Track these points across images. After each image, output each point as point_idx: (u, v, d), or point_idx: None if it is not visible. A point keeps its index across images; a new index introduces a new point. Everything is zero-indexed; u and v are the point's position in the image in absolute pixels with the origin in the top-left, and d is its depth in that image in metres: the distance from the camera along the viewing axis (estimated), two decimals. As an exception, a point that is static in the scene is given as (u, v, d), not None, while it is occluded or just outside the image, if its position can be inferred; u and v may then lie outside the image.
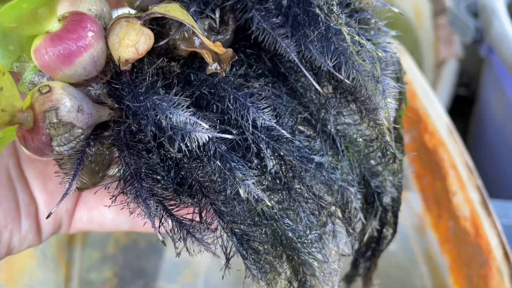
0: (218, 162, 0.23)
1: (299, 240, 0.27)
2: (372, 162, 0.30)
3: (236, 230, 0.26)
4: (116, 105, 0.24)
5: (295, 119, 0.28)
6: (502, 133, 0.75)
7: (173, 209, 0.25)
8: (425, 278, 0.56)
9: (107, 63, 0.24)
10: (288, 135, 0.25)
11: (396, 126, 0.32)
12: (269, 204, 0.25)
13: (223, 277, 0.27)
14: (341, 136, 0.29)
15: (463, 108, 0.94)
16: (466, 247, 0.51)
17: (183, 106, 0.22)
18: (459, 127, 0.68)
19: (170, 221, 0.26)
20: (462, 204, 0.51)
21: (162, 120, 0.22)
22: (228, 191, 0.24)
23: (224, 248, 0.27)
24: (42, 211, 0.30)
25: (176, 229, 0.25)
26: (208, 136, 0.22)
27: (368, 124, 0.29)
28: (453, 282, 0.53)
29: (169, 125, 0.22)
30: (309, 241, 0.28)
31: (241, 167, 0.24)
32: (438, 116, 0.57)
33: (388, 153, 0.29)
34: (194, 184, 0.26)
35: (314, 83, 0.27)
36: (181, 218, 0.26)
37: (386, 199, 0.31)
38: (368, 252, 0.35)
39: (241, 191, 0.24)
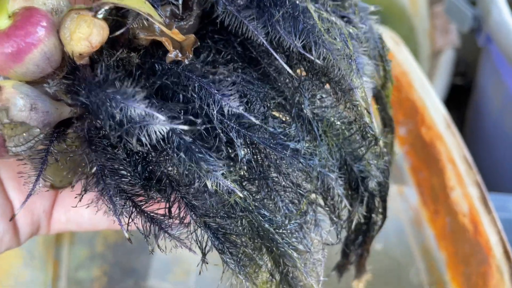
0: (182, 154, 0.23)
1: (277, 231, 0.27)
2: (354, 145, 0.30)
3: (211, 223, 0.26)
4: (73, 102, 0.24)
5: (268, 105, 0.27)
6: (500, 124, 0.74)
7: (143, 205, 0.25)
8: (421, 273, 0.56)
9: (64, 58, 0.24)
10: (258, 122, 0.25)
11: (379, 106, 0.32)
12: (241, 195, 0.25)
13: (200, 272, 0.27)
14: (318, 120, 0.29)
15: (459, 98, 0.93)
16: (464, 244, 0.51)
17: (139, 98, 0.22)
18: (455, 117, 0.68)
19: (141, 218, 0.26)
20: (461, 199, 0.51)
21: (116, 114, 0.22)
22: (197, 184, 0.24)
23: (199, 243, 0.27)
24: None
25: (147, 225, 0.25)
26: (166, 128, 0.22)
27: (345, 106, 0.28)
28: (450, 279, 0.53)
29: (125, 119, 0.22)
30: (288, 231, 0.27)
31: (208, 157, 0.23)
32: (436, 108, 0.56)
33: (369, 135, 0.29)
34: (163, 178, 0.26)
35: (284, 65, 0.26)
36: (152, 214, 0.26)
37: (372, 184, 0.30)
38: (358, 239, 0.34)
39: (209, 184, 0.23)
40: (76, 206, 0.25)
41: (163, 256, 0.60)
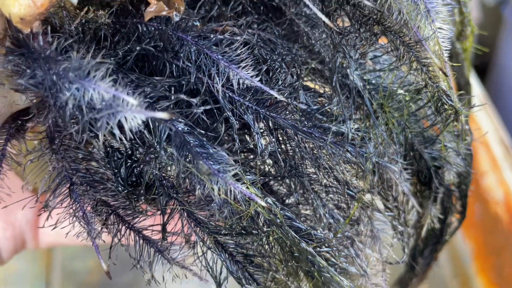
0: (173, 151, 0.18)
1: (317, 250, 0.21)
2: (423, 123, 0.23)
3: (225, 243, 0.21)
4: (18, 86, 0.19)
5: (297, 72, 0.21)
6: None
7: (131, 220, 0.20)
8: (443, 265, 0.53)
9: (7, 28, 0.19)
10: (283, 98, 0.19)
11: (456, 64, 0.24)
12: (263, 204, 0.19)
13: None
14: (371, 90, 0.22)
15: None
16: (495, 234, 0.49)
17: (100, 73, 0.16)
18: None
19: (131, 237, 0.21)
20: (494, 186, 0.48)
21: (69, 100, 0.16)
22: (198, 191, 0.18)
23: (210, 269, 0.21)
24: None
25: (139, 247, 0.20)
26: (141, 117, 0.16)
27: (411, 67, 0.21)
28: (476, 271, 0.51)
29: (84, 106, 0.16)
30: (335, 248, 0.21)
31: (212, 152, 0.18)
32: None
33: (446, 106, 0.22)
34: (155, 182, 0.20)
35: (318, 12, 0.19)
36: (144, 232, 0.20)
37: (449, 176, 0.23)
38: (428, 248, 0.28)
39: (214, 190, 0.18)
40: (42, 226, 0.20)
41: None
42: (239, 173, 0.18)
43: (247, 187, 0.18)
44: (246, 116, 0.20)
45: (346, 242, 0.23)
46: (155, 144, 0.18)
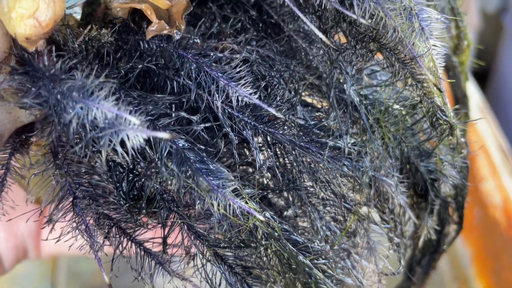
0: (173, 167, 0.19)
1: (315, 262, 0.22)
2: (419, 137, 0.24)
3: (224, 255, 0.22)
4: (23, 103, 0.20)
5: (295, 88, 0.22)
6: None
7: (132, 233, 0.21)
8: (442, 268, 0.55)
9: (12, 46, 0.20)
10: (280, 115, 0.20)
11: (450, 80, 0.26)
12: (261, 218, 0.20)
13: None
14: (367, 105, 0.23)
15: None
16: (494, 238, 0.50)
17: (103, 93, 0.17)
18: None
19: (132, 250, 0.22)
20: (493, 191, 0.50)
21: (73, 119, 0.17)
22: (198, 206, 0.20)
23: (209, 281, 0.22)
24: None
25: (140, 259, 0.22)
26: (143, 136, 0.17)
27: (406, 83, 0.22)
28: (475, 274, 0.52)
29: (87, 124, 0.17)
30: (331, 260, 0.22)
31: (211, 168, 0.19)
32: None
33: (441, 121, 0.23)
34: (156, 196, 0.21)
35: (315, 29, 0.21)
36: (145, 245, 0.22)
37: (445, 188, 0.25)
38: (426, 257, 0.29)
39: (214, 205, 0.19)
40: (46, 239, 0.21)
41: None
42: (238, 188, 0.19)
43: (246, 202, 0.19)
44: (245, 131, 0.21)
45: (343, 254, 0.24)
46: (156, 159, 0.19)
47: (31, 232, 0.29)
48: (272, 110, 0.20)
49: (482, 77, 0.91)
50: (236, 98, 0.20)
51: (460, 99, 0.27)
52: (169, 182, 0.20)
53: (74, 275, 0.59)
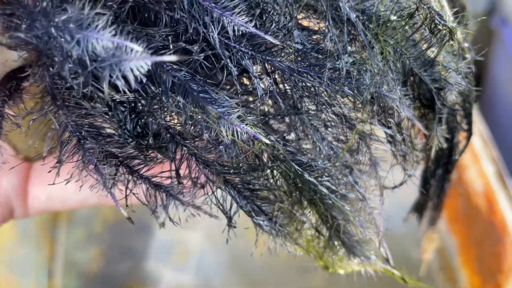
0: (179, 98, 0.20)
1: (319, 180, 0.23)
2: (421, 46, 0.24)
3: (233, 180, 0.24)
4: (13, 42, 0.20)
5: (290, 12, 0.23)
6: None
7: (141, 169, 0.23)
8: (430, 261, 0.57)
9: None
10: (278, 42, 0.21)
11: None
12: (267, 141, 0.21)
13: (227, 240, 0.25)
14: (364, 20, 0.24)
15: None
16: (476, 225, 0.52)
17: (101, 23, 0.18)
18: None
19: (142, 186, 0.23)
20: (475, 178, 0.52)
21: (73, 51, 0.18)
22: (206, 135, 0.21)
23: (221, 206, 0.24)
24: None
25: (152, 195, 0.23)
26: (147, 64, 0.17)
27: None
28: (461, 263, 0.55)
29: (86, 57, 0.18)
30: (335, 177, 0.24)
31: (216, 97, 0.20)
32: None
33: (440, 27, 0.24)
34: (162, 132, 0.22)
35: None
36: (156, 180, 0.23)
37: (451, 96, 0.26)
38: (439, 169, 0.30)
39: (222, 132, 0.20)
40: (53, 183, 0.22)
41: (163, 237, 0.63)
42: (242, 115, 0.21)
43: (252, 127, 0.21)
44: (243, 61, 0.21)
45: (345, 171, 0.25)
46: (160, 94, 0.20)
47: (15, 188, 0.29)
48: (269, 38, 0.20)
49: (477, 81, 0.95)
50: (232, 28, 0.20)
51: (456, 2, 0.28)
52: (174, 115, 0.21)
53: (71, 263, 0.62)
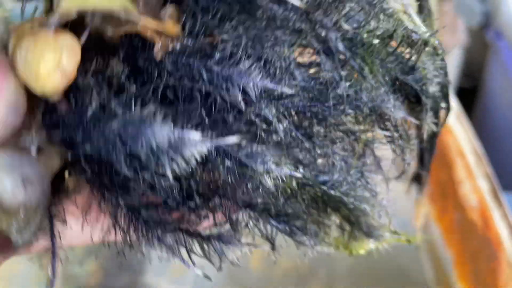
0: (227, 162, 0.22)
1: (340, 190, 0.28)
2: (402, 57, 0.29)
3: (271, 212, 0.27)
4: (66, 150, 0.22)
5: (288, 56, 0.26)
6: (509, 125, 0.80)
7: (195, 229, 0.25)
8: (427, 273, 0.60)
9: (31, 95, 0.21)
10: (291, 91, 0.24)
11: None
12: (300, 176, 0.25)
13: (274, 262, 0.29)
14: (351, 47, 0.27)
15: (465, 102, 0.97)
16: (472, 240, 0.54)
17: (158, 118, 0.20)
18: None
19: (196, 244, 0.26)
20: (470, 193, 0.54)
21: (140, 151, 0.20)
22: (250, 186, 0.24)
23: (264, 235, 0.27)
24: None
25: (210, 247, 0.26)
26: (207, 147, 0.20)
27: (378, 19, 0.27)
28: (457, 277, 0.57)
29: (148, 152, 0.20)
30: (351, 185, 0.28)
31: (259, 152, 0.23)
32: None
33: (414, 40, 0.28)
34: (207, 191, 0.25)
35: None
36: (215, 234, 0.26)
37: (432, 88, 0.30)
38: (429, 143, 0.35)
39: (268, 182, 0.23)
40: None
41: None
42: (277, 160, 0.24)
43: (287, 168, 0.24)
44: (263, 111, 0.24)
45: (358, 175, 0.29)
46: (211, 161, 0.22)
47: None
48: (285, 89, 0.24)
49: (473, 94, 0.97)
50: (252, 86, 0.23)
51: (424, 13, 0.32)
52: (218, 175, 0.24)
53: (69, 277, 0.62)
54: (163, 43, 0.22)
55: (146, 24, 0.21)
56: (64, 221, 0.25)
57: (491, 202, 0.53)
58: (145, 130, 0.20)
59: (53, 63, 0.19)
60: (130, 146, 0.20)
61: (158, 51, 0.22)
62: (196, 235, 0.25)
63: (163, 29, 0.21)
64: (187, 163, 0.20)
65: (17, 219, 0.21)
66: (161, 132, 0.20)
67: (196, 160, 0.21)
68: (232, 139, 0.20)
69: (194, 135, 0.20)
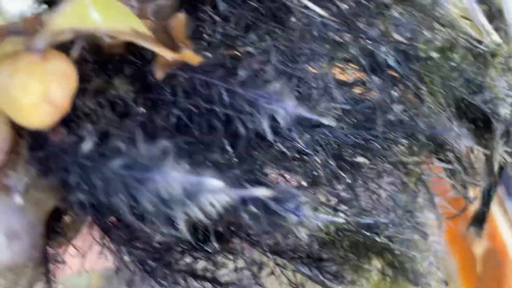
0: (252, 209, 0.18)
1: (386, 234, 0.23)
2: (467, 72, 0.24)
3: (303, 259, 0.23)
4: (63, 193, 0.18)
5: (326, 77, 0.22)
6: None
7: (215, 275, 0.22)
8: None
9: (16, 125, 0.18)
10: (332, 123, 0.20)
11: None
12: (341, 221, 0.21)
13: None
14: (404, 62, 0.23)
15: None
16: (476, 248, 0.52)
17: (171, 159, 0.16)
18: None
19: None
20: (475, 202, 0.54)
21: (143, 199, 0.16)
22: (282, 238, 0.20)
23: (294, 285, 0.24)
24: None
25: None
26: (231, 196, 0.16)
27: (433, 28, 0.23)
28: (462, 286, 0.55)
29: (156, 201, 0.16)
30: (399, 227, 0.24)
31: (291, 196, 0.19)
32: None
33: (480, 50, 0.23)
34: (226, 233, 0.22)
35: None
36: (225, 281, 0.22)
37: (504, 109, 0.25)
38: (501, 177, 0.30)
39: (302, 234, 0.19)
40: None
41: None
42: (314, 205, 0.20)
43: (326, 214, 0.20)
44: (295, 142, 0.20)
45: (407, 215, 0.25)
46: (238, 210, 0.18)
47: None
48: (325, 121, 0.19)
49: None
50: (282, 115, 0.19)
51: (495, 14, 0.27)
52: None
53: None
54: (162, 60, 0.18)
55: (160, 54, 0.17)
56: (63, 262, 0.22)
57: (497, 211, 0.50)
58: (154, 174, 0.16)
59: (38, 95, 0.16)
60: (134, 193, 0.16)
61: (158, 68, 0.18)
62: (213, 282, 0.21)
63: (182, 59, 0.17)
64: (205, 213, 0.16)
65: (6, 278, 0.17)
66: (174, 176, 0.16)
67: (216, 209, 0.17)
68: (262, 192, 0.16)
69: (215, 183, 0.16)
